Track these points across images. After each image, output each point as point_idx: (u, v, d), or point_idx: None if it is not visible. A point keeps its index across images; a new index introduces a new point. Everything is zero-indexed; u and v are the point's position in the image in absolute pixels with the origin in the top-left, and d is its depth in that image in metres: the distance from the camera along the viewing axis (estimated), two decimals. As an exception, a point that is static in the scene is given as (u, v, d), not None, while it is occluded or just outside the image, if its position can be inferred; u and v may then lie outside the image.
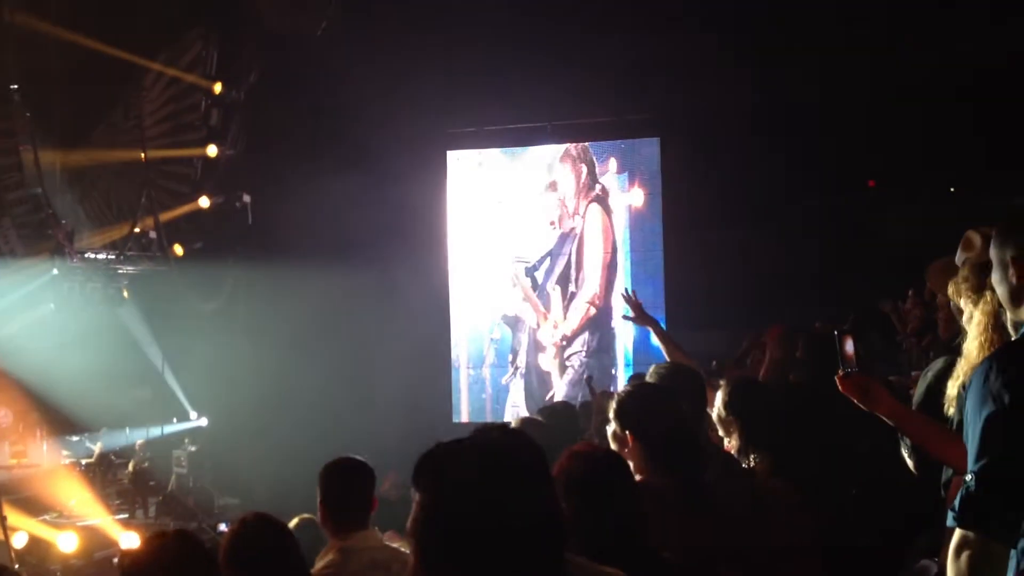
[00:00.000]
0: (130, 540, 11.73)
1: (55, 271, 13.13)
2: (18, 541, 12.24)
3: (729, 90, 13.28)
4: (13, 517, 12.24)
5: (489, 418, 15.13)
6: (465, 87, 14.39)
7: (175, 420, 14.72)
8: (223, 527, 12.35)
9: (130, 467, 13.43)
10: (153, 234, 13.81)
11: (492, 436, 2.00)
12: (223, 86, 14.46)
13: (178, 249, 14.08)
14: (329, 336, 14.54)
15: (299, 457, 10.74)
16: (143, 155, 13.93)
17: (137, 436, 14.36)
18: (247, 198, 14.45)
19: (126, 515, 13.21)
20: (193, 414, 14.85)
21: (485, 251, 15.99)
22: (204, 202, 14.34)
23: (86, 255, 13.77)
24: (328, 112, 14.46)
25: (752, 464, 4.29)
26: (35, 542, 12.25)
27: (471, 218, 16.11)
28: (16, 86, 13.05)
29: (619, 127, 15.24)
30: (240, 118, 14.64)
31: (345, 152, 14.39)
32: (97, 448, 14.09)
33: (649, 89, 14.20)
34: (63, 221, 13.63)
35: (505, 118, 15.41)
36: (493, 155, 16.08)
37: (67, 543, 12.22)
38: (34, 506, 13.11)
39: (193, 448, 13.80)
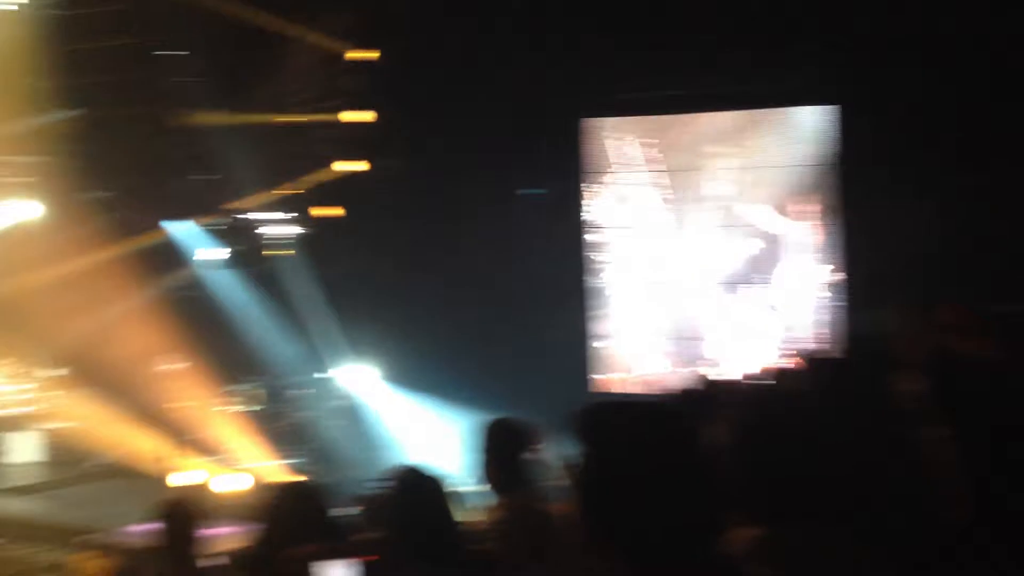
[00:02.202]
0: (270, 488, 13.39)
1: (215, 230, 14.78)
2: (184, 479, 14.23)
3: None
4: (186, 458, 14.22)
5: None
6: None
7: (332, 372, 16.25)
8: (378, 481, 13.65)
9: (292, 416, 15.09)
10: (303, 196, 15.20)
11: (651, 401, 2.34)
12: (370, 51, 15.55)
13: (326, 211, 15.43)
14: (483, 299, 15.51)
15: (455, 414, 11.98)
16: (291, 119, 15.31)
17: (298, 386, 16.09)
18: (397, 162, 15.57)
19: (283, 460, 14.93)
20: (334, 368, 16.40)
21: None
22: (351, 166, 15.63)
23: (244, 215, 15.31)
24: (466, 77, 15.22)
25: None
26: (205, 481, 14.19)
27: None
28: (187, 52, 14.71)
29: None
30: (387, 83, 15.76)
31: (488, 114, 15.16)
32: (259, 395, 15.87)
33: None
34: (225, 181, 15.26)
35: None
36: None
37: (226, 483, 14.10)
38: (204, 448, 15.11)
39: (333, 402, 15.32)
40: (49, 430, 17.62)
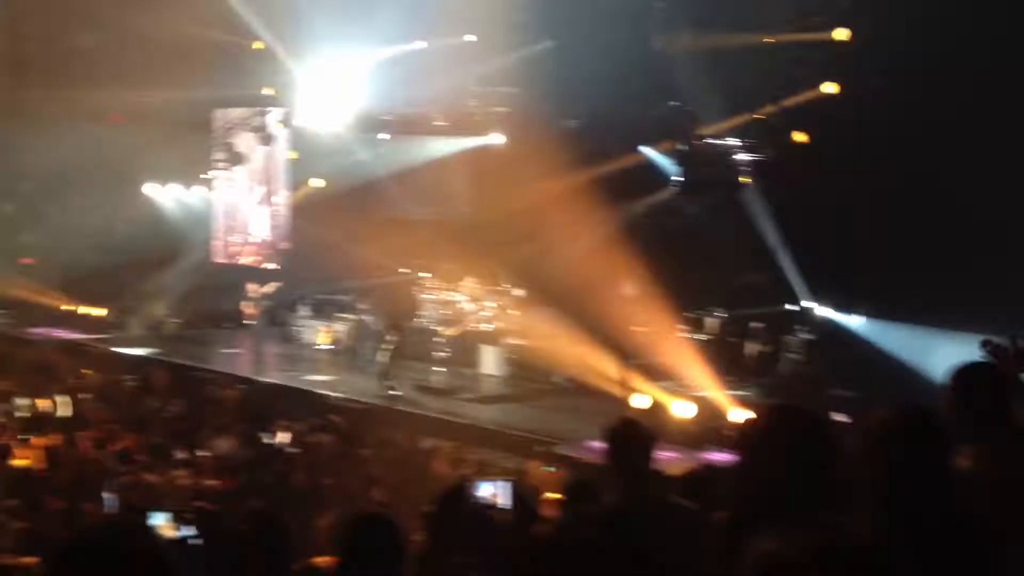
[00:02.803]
0: (741, 416, 13.36)
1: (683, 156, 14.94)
2: (640, 402, 14.67)
3: None
4: (635, 381, 14.68)
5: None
6: None
7: (789, 305, 15.98)
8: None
9: (743, 347, 15.08)
10: (775, 121, 14.92)
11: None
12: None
13: (800, 136, 15.02)
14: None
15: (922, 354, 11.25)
16: (771, 40, 15.00)
17: (753, 317, 16.00)
18: (877, 83, 14.71)
19: (738, 391, 14.94)
20: (803, 302, 16.01)
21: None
22: (830, 88, 15.04)
23: (709, 140, 15.34)
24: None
25: None
26: (655, 405, 14.61)
27: None
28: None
29: None
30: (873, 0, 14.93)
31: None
32: (714, 325, 15.99)
33: None
34: (688, 107, 15.37)
35: None
36: None
37: (684, 410, 14.36)
38: (655, 373, 15.55)
39: (807, 336, 14.97)
40: (513, 346, 19.09)
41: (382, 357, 17.49)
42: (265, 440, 13.18)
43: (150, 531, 2.70)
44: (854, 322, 15.67)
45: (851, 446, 3.22)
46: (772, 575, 2.02)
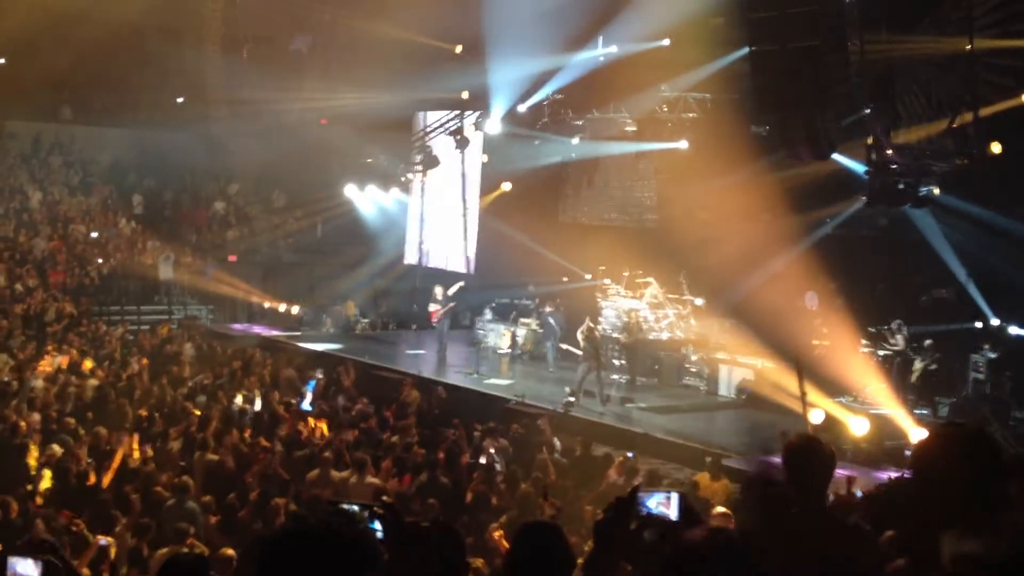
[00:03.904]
0: (920, 435, 13.46)
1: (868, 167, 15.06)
2: (815, 417, 14.88)
3: None
4: (813, 394, 14.87)
5: None
6: None
7: (977, 322, 15.82)
8: None
9: (918, 364, 15.06)
10: (971, 130, 14.78)
11: None
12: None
13: (996, 147, 14.81)
14: None
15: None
16: (969, 46, 14.88)
17: (934, 335, 15.96)
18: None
19: (918, 411, 14.94)
20: (992, 319, 15.84)
21: None
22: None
23: (902, 148, 15.35)
24: None
25: None
26: (830, 421, 14.78)
27: None
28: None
29: None
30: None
31: None
32: (897, 340, 16.04)
33: None
34: (882, 116, 15.43)
35: None
36: None
37: (859, 427, 14.50)
38: (833, 387, 15.71)
39: (993, 355, 14.84)
40: (690, 356, 19.60)
41: (582, 369, 18.05)
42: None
43: (357, 521, 2.87)
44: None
45: None
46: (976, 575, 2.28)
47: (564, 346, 20.85)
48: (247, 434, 14.20)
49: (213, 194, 31.64)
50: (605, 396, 17.71)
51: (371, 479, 11.93)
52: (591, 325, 18.57)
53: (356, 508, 3.41)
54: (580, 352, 18.45)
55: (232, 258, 28.77)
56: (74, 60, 27.64)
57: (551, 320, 21.52)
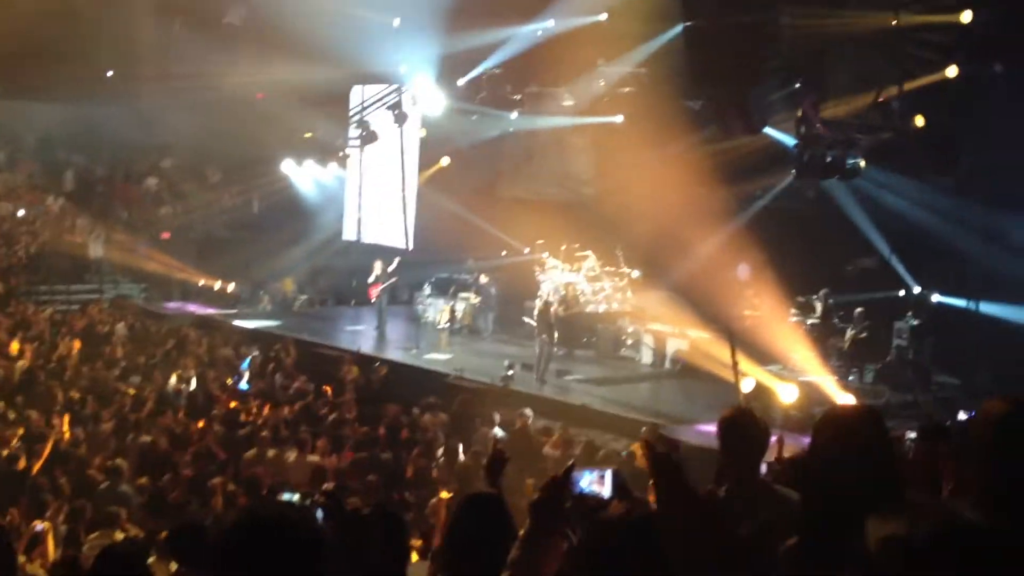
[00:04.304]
0: (846, 401, 13.97)
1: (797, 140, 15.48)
2: (747, 385, 15.34)
3: None
4: (744, 363, 15.33)
5: None
6: None
7: (897, 292, 16.44)
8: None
9: (849, 332, 15.62)
10: (896, 103, 15.26)
11: None
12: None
13: (919, 120, 15.31)
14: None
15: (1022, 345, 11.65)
16: (895, 22, 15.33)
17: (859, 303, 16.51)
18: (999, 68, 14.94)
19: (844, 377, 15.48)
20: (915, 288, 16.46)
21: None
22: (952, 71, 15.29)
23: (829, 124, 15.79)
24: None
25: None
26: (761, 389, 15.25)
27: None
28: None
29: None
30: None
31: None
32: (824, 308, 16.56)
33: None
34: (811, 91, 15.86)
35: None
36: None
37: (789, 394, 14.98)
38: (763, 356, 16.19)
39: (915, 322, 15.43)
40: (626, 327, 19.99)
41: (540, 346, 18.20)
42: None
43: (311, 516, 2.82)
44: (966, 307, 16.06)
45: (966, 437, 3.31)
46: (901, 558, 2.36)
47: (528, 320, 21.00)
48: (182, 415, 14.28)
49: (145, 170, 31.30)
50: (542, 372, 17.95)
51: (311, 457, 12.17)
52: (548, 301, 18.84)
53: (296, 497, 3.47)
54: (535, 326, 18.62)
55: (165, 235, 28.53)
56: (-2, 32, 27.12)
57: (491, 291, 21.85)
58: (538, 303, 18.71)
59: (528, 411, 14.34)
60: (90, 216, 28.32)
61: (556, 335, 18.34)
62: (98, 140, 30.12)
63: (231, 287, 26.17)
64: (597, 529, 3.70)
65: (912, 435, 5.75)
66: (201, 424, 13.70)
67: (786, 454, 9.73)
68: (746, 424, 4.84)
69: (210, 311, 24.37)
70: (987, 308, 15.97)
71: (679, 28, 18.78)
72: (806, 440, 10.53)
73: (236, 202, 29.82)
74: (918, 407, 14.09)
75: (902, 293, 16.85)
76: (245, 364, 17.32)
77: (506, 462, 4.90)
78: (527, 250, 22.97)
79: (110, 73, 30.10)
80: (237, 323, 22.58)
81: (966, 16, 15.12)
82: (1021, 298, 15.03)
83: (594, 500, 3.96)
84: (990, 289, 15.81)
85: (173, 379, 16.22)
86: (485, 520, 4.32)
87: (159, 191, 30.85)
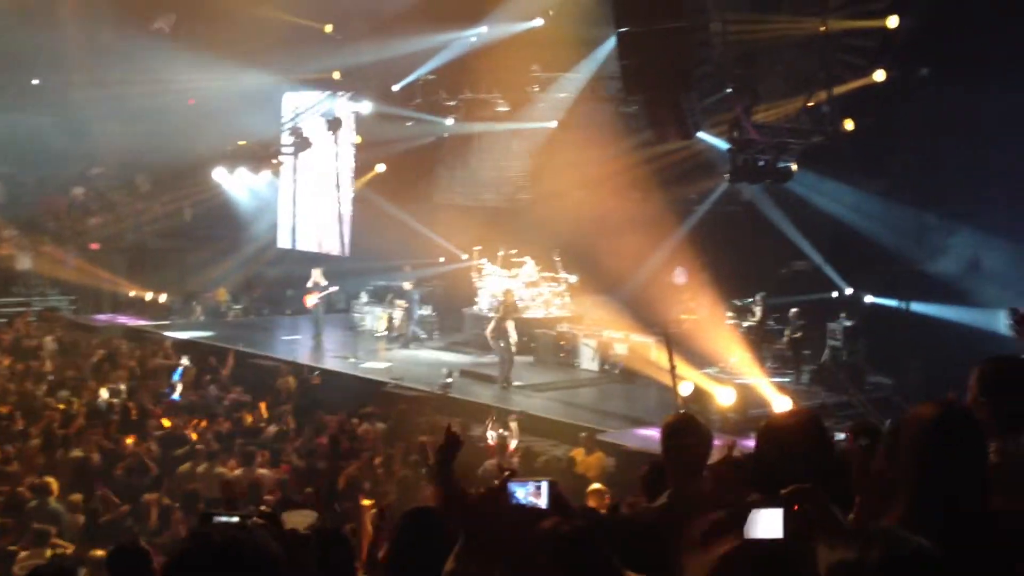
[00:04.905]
0: (783, 403, 14.16)
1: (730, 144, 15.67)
2: (685, 389, 15.49)
3: None
4: (682, 367, 15.50)
5: None
6: None
7: (831, 293, 16.76)
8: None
9: (786, 334, 15.86)
10: (826, 108, 15.53)
11: None
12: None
13: (849, 124, 15.61)
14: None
15: (954, 346, 11.89)
16: (823, 27, 15.60)
17: (794, 305, 16.79)
18: (926, 72, 15.30)
19: (780, 379, 15.72)
20: (847, 289, 16.77)
21: None
22: (880, 75, 15.63)
23: (761, 128, 16.00)
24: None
25: None
26: (699, 392, 15.41)
27: None
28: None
29: None
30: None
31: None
32: (758, 312, 16.80)
33: None
34: (743, 96, 16.05)
35: None
36: None
37: (726, 397, 15.16)
38: (701, 359, 16.38)
39: (849, 323, 15.73)
40: (564, 332, 20.04)
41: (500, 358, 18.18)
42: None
43: (264, 539, 2.57)
44: (897, 307, 16.43)
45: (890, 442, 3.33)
46: None
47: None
48: (113, 429, 14.01)
49: (73, 179, 30.70)
50: (505, 377, 17.95)
51: (247, 470, 12.03)
52: (502, 317, 18.72)
53: (236, 519, 3.44)
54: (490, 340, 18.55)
55: (95, 246, 28.02)
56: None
57: (415, 297, 21.86)
58: (491, 325, 18.60)
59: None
60: (17, 227, 27.69)
61: (513, 342, 18.28)
62: (24, 149, 29.43)
63: (163, 298, 25.77)
64: (534, 541, 3.65)
65: (841, 436, 5.85)
66: (132, 439, 13.44)
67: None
68: (689, 429, 4.88)
69: (142, 323, 23.98)
70: (918, 308, 16.36)
71: (612, 34, 18.90)
72: (743, 443, 10.74)
73: (167, 211, 29.36)
74: (853, 407, 14.31)
75: (835, 295, 17.16)
76: (177, 375, 17.06)
77: (460, 446, 4.89)
78: (465, 256, 22.97)
79: (36, 81, 29.52)
80: (170, 334, 22.23)
81: (892, 21, 15.46)
82: (951, 298, 15.38)
83: (531, 511, 3.98)
84: (921, 289, 16.16)
85: (104, 393, 15.90)
86: (424, 534, 4.37)
87: (87, 201, 30.26)
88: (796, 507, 2.76)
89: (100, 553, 8.08)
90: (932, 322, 15.67)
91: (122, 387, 16.33)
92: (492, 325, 18.33)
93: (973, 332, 13.00)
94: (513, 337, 18.09)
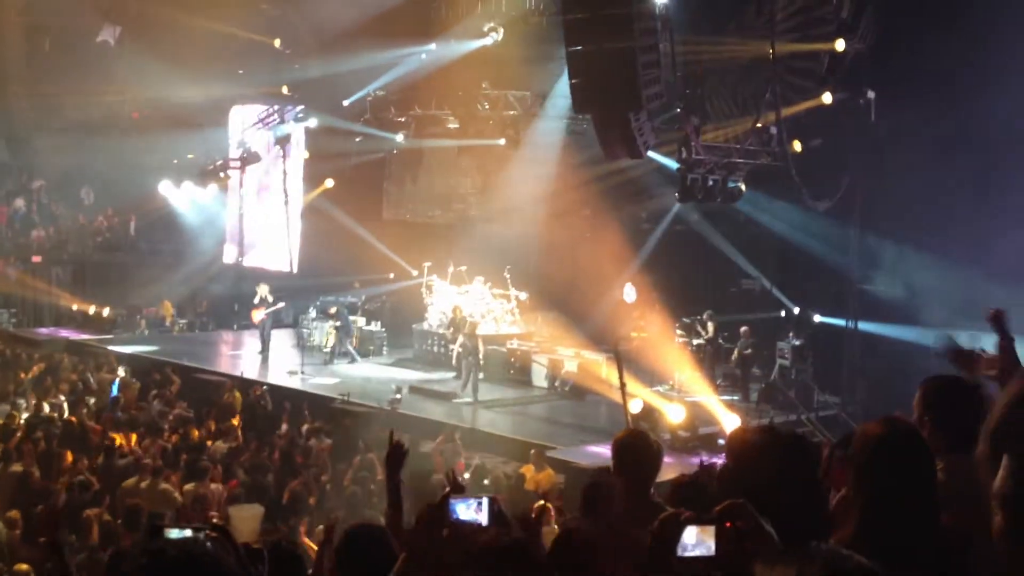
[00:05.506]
0: (732, 421, 14.27)
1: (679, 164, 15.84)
2: (635, 406, 15.53)
3: None
4: (632, 384, 15.55)
5: None
6: None
7: (779, 312, 16.99)
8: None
9: (735, 353, 16.01)
10: (774, 129, 15.77)
11: None
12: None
13: (797, 145, 15.87)
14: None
15: (900, 364, 12.09)
16: (771, 50, 15.85)
17: (743, 324, 16.97)
18: (871, 95, 15.61)
19: (729, 397, 15.86)
20: (795, 308, 17.00)
21: None
22: (827, 98, 15.91)
23: (710, 148, 16.20)
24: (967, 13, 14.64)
25: None
26: (648, 409, 15.46)
27: None
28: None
29: None
30: (872, 11, 15.73)
31: (991, 59, 14.34)
32: (709, 330, 16.93)
33: None
34: (692, 116, 16.24)
35: None
36: None
37: (676, 414, 15.23)
38: (650, 377, 16.46)
39: (797, 342, 15.93)
40: (514, 349, 20.04)
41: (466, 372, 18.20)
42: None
43: (219, 553, 2.56)
44: (845, 326, 16.69)
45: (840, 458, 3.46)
46: None
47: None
48: (55, 443, 13.70)
49: (15, 191, 30.14)
50: (473, 389, 17.98)
51: (192, 486, 11.83)
52: (469, 331, 18.67)
53: (188, 533, 3.38)
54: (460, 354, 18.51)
55: (37, 259, 27.51)
56: None
57: (346, 313, 21.78)
58: (458, 341, 18.59)
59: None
60: (-45, 239, 27.12)
61: (481, 355, 18.27)
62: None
63: (106, 311, 25.34)
64: (472, 556, 3.70)
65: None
66: (71, 455, 13.15)
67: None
68: (640, 446, 4.92)
69: (84, 336, 23.54)
70: (865, 327, 16.61)
71: (562, 53, 19.02)
72: (692, 460, 10.68)
73: (111, 224, 28.93)
74: (802, 425, 14.45)
75: (783, 314, 17.37)
76: (115, 388, 16.79)
77: (405, 455, 4.97)
78: (415, 273, 22.89)
79: (-24, 93, 28.98)
80: (113, 348, 21.84)
81: (840, 45, 15.76)
82: (896, 317, 15.63)
83: (471, 528, 3.98)
84: (867, 308, 16.42)
85: (45, 407, 15.57)
86: (368, 551, 4.36)
87: (28, 212, 29.71)
88: (728, 524, 2.59)
89: (24, 568, 7.99)
90: (878, 341, 15.92)
91: (63, 401, 15.99)
92: (460, 341, 18.33)
93: (919, 350, 13.18)
94: (481, 351, 18.10)
